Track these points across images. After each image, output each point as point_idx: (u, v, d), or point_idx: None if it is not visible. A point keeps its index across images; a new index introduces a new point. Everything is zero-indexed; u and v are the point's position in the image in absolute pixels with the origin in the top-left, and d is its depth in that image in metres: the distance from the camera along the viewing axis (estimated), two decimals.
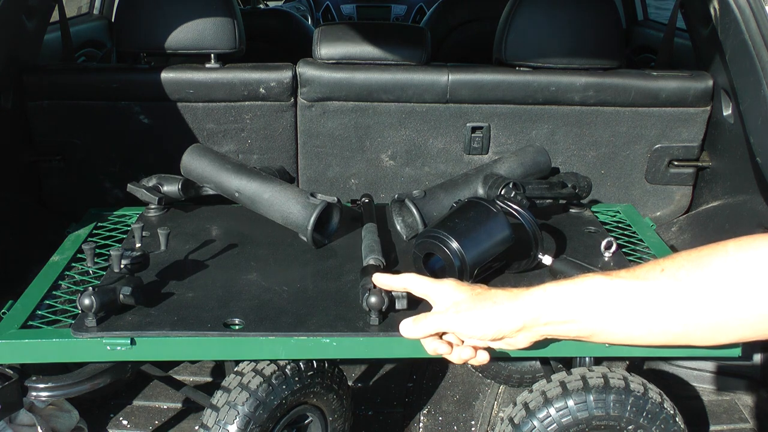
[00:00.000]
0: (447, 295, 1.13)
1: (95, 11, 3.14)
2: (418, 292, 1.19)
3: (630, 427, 1.43)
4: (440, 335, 1.13)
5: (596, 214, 1.77)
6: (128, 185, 1.67)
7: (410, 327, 1.13)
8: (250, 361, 1.45)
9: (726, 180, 2.16)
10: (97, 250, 1.50)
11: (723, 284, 0.95)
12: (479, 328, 1.08)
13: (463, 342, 1.13)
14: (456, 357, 1.11)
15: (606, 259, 1.49)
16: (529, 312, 1.06)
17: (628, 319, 1.03)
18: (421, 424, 1.96)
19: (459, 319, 1.09)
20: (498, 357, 2.02)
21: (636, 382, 1.44)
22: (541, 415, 1.43)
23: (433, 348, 1.12)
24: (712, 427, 1.96)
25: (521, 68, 2.11)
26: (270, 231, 1.58)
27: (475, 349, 1.12)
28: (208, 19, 2.07)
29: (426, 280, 1.18)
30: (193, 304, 1.32)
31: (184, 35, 2.07)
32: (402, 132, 2.13)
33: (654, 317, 1.01)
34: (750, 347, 1.99)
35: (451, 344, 1.12)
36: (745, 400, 2.06)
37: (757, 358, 2.01)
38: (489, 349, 1.14)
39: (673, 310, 0.99)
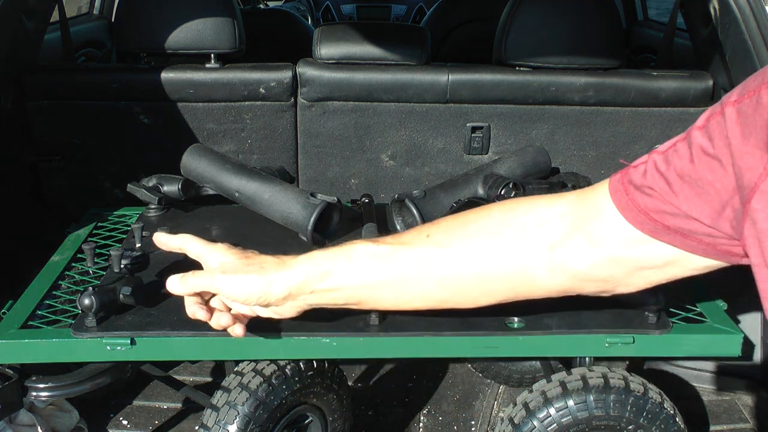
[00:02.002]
0: (217, 257, 1.10)
1: (95, 11, 3.14)
2: (192, 253, 1.15)
3: (630, 427, 1.43)
4: (206, 300, 1.11)
5: None
6: (128, 185, 1.67)
7: (176, 283, 1.09)
8: (250, 361, 1.45)
9: None
10: (97, 250, 1.51)
11: (483, 248, 0.98)
12: (244, 291, 1.05)
13: (230, 310, 1.11)
14: (215, 322, 1.08)
15: None
16: (295, 279, 1.05)
17: (394, 285, 1.03)
18: (421, 424, 1.96)
19: (224, 280, 1.06)
20: (498, 357, 2.03)
21: (636, 382, 1.44)
22: (541, 415, 1.43)
23: (192, 311, 1.09)
24: (712, 427, 1.96)
25: (521, 68, 2.11)
26: (270, 231, 1.58)
27: (236, 318, 1.09)
28: (208, 19, 2.07)
29: (200, 241, 1.14)
30: None
31: (184, 35, 2.07)
32: (402, 132, 2.13)
33: (419, 282, 1.02)
34: (750, 347, 1.99)
35: (212, 311, 1.09)
36: (745, 400, 2.06)
37: (757, 358, 2.01)
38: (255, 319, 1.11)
39: (438, 275, 1.01)
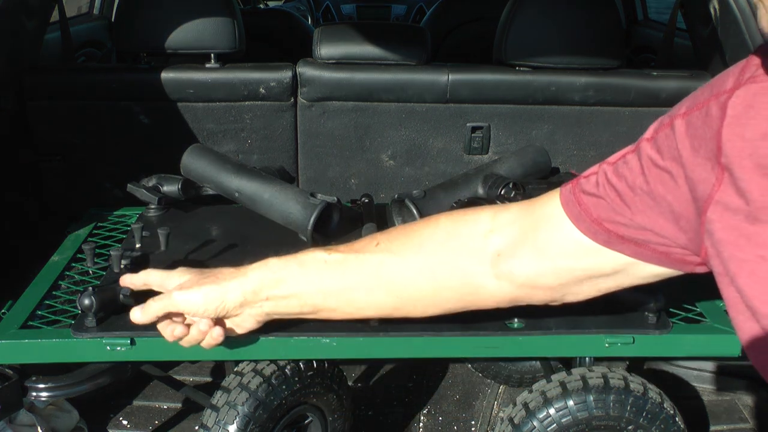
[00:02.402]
0: (175, 280, 1.12)
1: (95, 11, 3.13)
2: (155, 285, 1.17)
3: (630, 427, 1.43)
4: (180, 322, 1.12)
5: None
6: (128, 185, 1.67)
7: (138, 313, 1.11)
8: (250, 361, 1.45)
9: None
10: (97, 250, 1.50)
11: (432, 257, 1.00)
12: (201, 303, 1.06)
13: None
14: (194, 330, 1.09)
15: None
16: (249, 285, 1.06)
17: (346, 293, 1.05)
18: (421, 424, 1.96)
19: (181, 296, 1.07)
20: (498, 357, 2.03)
21: (636, 382, 1.44)
22: (541, 415, 1.43)
23: (170, 331, 1.10)
24: (712, 427, 1.96)
25: (521, 68, 2.11)
26: (270, 231, 1.58)
27: (212, 324, 1.09)
28: (208, 19, 2.07)
29: (159, 271, 1.17)
30: None
31: (184, 35, 2.07)
32: (402, 132, 2.13)
33: (370, 290, 1.04)
34: None
35: (188, 326, 1.10)
36: (745, 400, 2.06)
37: None
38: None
39: (388, 282, 1.03)
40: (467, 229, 0.99)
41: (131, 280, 1.20)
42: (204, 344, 1.11)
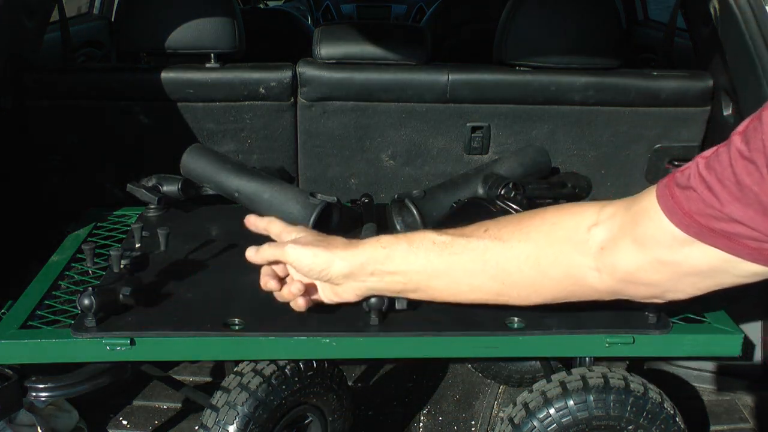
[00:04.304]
0: (293, 234, 1.18)
1: (95, 11, 3.13)
2: (274, 233, 1.23)
3: (630, 427, 1.43)
4: (281, 277, 1.19)
5: None
6: (128, 185, 1.67)
7: (252, 252, 1.19)
8: (250, 361, 1.45)
9: None
10: (97, 250, 1.50)
11: (538, 245, 1.03)
12: (308, 263, 1.11)
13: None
14: (285, 291, 1.16)
15: None
16: (358, 258, 1.11)
17: (451, 274, 1.08)
18: (421, 424, 1.96)
19: (292, 250, 1.13)
20: (498, 357, 2.03)
21: (636, 382, 1.44)
22: (541, 415, 1.43)
23: (264, 281, 1.16)
24: (712, 427, 1.96)
25: (521, 68, 2.11)
26: None
27: (303, 289, 1.15)
28: (207, 19, 2.07)
29: (281, 223, 1.24)
30: (193, 304, 1.32)
31: (184, 35, 2.07)
32: (402, 132, 2.13)
33: (474, 273, 1.07)
34: (750, 347, 1.99)
35: (282, 285, 1.17)
36: (745, 400, 2.06)
37: (757, 358, 2.01)
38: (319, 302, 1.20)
39: (493, 267, 1.06)
40: (573, 222, 1.02)
41: (255, 222, 1.27)
42: (292, 304, 1.17)
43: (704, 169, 0.84)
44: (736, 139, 0.80)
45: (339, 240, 1.15)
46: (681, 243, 0.89)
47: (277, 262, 1.18)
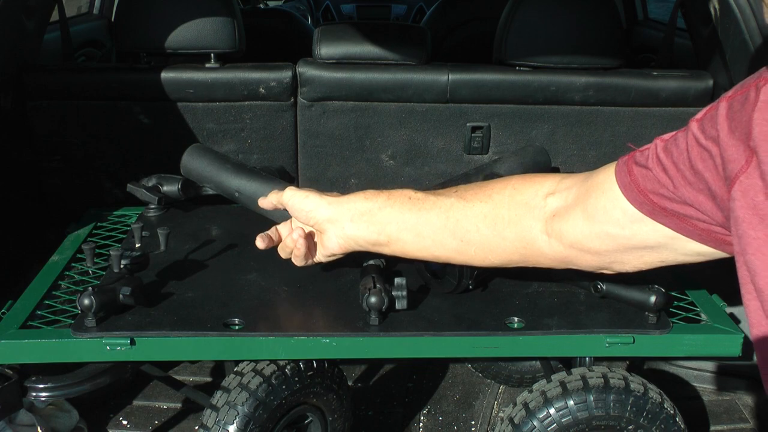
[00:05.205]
0: (304, 189, 1.28)
1: (95, 11, 3.13)
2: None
3: (630, 427, 1.43)
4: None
5: None
6: (128, 185, 1.67)
7: (263, 199, 1.32)
8: (250, 361, 1.45)
9: None
10: (97, 250, 1.50)
11: (496, 207, 1.10)
12: (299, 202, 1.23)
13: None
14: (290, 240, 1.25)
15: None
16: (343, 205, 1.20)
17: (417, 229, 1.15)
18: (421, 424, 1.96)
19: (290, 194, 1.25)
20: (498, 357, 2.03)
21: (636, 382, 1.44)
22: (541, 415, 1.43)
23: (257, 240, 1.28)
24: (712, 427, 1.96)
25: (521, 68, 2.11)
26: None
27: (304, 235, 1.24)
28: (207, 19, 2.07)
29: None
30: (193, 304, 1.32)
31: (184, 35, 2.07)
32: (402, 132, 2.13)
33: (437, 229, 1.14)
34: (750, 347, 1.99)
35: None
36: (745, 400, 2.06)
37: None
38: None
39: (454, 224, 1.12)
40: (533, 189, 1.08)
41: (271, 199, 1.33)
42: (294, 254, 1.26)
43: (662, 152, 0.88)
44: (693, 125, 0.83)
45: (335, 194, 1.24)
46: (632, 218, 0.93)
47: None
